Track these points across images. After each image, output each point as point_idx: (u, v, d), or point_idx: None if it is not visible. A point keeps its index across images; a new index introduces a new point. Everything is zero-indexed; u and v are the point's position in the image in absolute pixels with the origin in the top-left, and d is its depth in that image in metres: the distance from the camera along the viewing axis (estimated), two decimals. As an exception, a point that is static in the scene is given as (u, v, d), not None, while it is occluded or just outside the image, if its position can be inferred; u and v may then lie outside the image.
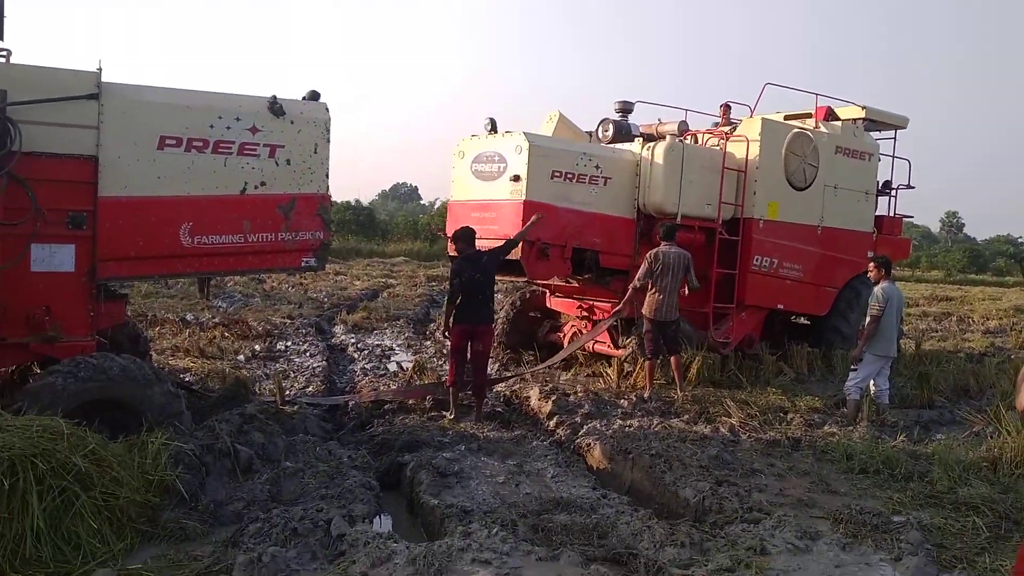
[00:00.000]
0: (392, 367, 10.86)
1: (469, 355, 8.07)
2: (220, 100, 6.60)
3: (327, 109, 7.05)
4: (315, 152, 6.94)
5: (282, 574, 4.10)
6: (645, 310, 9.17)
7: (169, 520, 4.82)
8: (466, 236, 8.24)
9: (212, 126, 6.47)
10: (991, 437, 7.44)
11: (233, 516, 4.98)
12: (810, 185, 11.10)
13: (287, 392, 8.31)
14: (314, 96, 7.10)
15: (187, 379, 8.46)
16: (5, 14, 5.97)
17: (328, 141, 7.02)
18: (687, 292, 9.25)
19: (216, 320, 12.97)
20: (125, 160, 6.15)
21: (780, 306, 11.36)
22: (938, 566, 4.79)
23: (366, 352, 11.91)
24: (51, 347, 6.00)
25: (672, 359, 9.33)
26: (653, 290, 9.11)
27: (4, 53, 5.87)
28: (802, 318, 12.23)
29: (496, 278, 8.46)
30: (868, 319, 8.01)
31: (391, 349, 12.52)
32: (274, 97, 6.71)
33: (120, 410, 5.79)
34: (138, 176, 6.21)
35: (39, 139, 5.79)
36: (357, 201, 48.99)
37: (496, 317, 10.18)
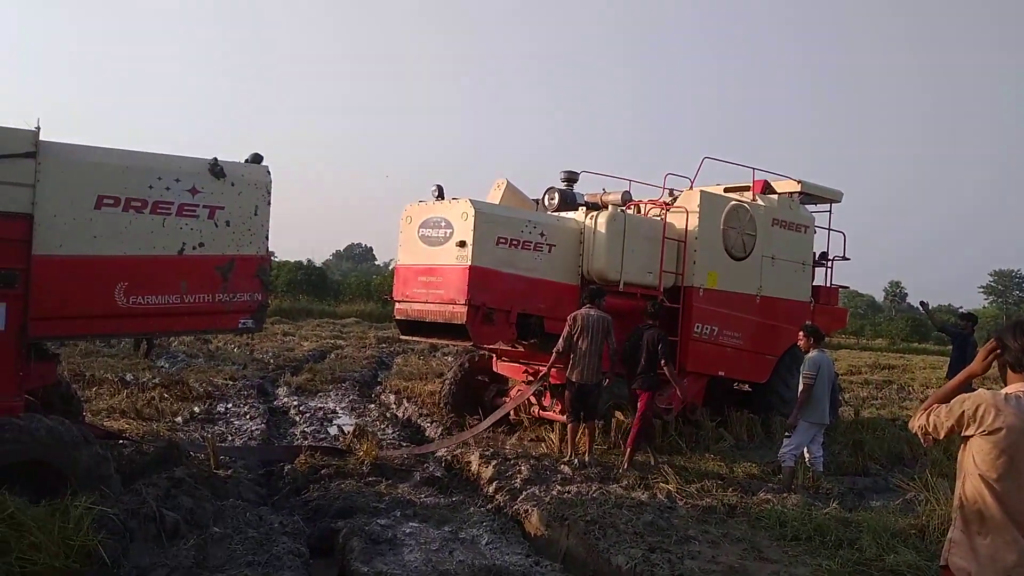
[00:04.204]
0: (333, 431, 10.72)
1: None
2: (160, 161, 6.59)
3: (268, 172, 7.07)
4: (255, 214, 6.96)
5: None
6: (568, 373, 9.17)
7: (88, 587, 4.68)
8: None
9: (151, 187, 6.45)
10: (921, 504, 7.61)
11: (155, 583, 4.86)
12: (748, 255, 11.44)
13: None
14: (256, 159, 7.13)
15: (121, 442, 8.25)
16: None
17: (268, 203, 7.03)
18: (612, 356, 9.24)
19: (156, 380, 12.71)
20: (61, 218, 6.12)
21: (721, 373, 11.56)
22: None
23: (308, 415, 11.75)
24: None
25: (585, 425, 9.21)
26: (574, 353, 9.12)
27: None
28: (744, 384, 12.44)
29: (444, 341, 8.60)
30: (800, 387, 8.21)
31: (334, 412, 12.38)
32: (215, 159, 6.74)
33: (47, 472, 5.64)
34: (74, 235, 6.17)
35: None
36: (309, 261, 49.11)
37: (444, 379, 10.15)
